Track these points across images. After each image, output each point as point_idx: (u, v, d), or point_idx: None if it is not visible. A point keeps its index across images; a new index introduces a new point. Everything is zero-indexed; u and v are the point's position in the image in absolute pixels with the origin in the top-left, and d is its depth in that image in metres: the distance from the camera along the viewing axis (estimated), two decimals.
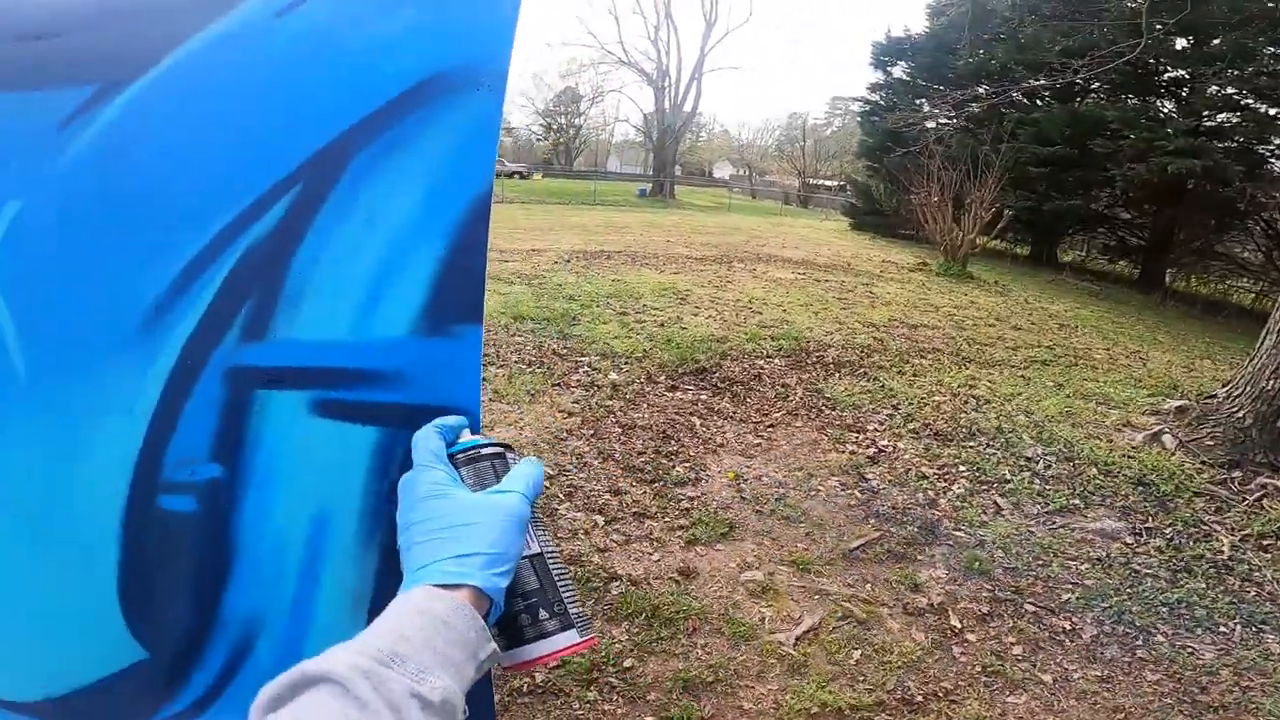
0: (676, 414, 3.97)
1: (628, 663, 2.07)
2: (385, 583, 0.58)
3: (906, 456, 3.66)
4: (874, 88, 20.65)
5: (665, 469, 3.32)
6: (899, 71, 19.77)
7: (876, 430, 3.98)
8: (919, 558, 2.78)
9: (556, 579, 0.51)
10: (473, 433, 0.53)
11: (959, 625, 2.37)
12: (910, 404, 4.32)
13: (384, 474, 0.53)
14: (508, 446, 0.53)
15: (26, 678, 0.59)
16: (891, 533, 2.94)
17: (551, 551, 0.52)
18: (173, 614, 0.56)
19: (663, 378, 4.51)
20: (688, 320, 5.98)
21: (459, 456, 0.51)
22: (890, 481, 3.40)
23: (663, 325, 5.73)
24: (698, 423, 3.89)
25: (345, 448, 0.53)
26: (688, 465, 3.39)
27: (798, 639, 2.25)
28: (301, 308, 0.51)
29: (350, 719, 0.33)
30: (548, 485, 3.11)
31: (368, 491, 0.54)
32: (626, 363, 4.70)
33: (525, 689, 1.94)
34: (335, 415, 0.52)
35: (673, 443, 3.61)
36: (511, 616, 0.48)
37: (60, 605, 0.58)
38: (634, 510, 2.97)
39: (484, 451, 0.52)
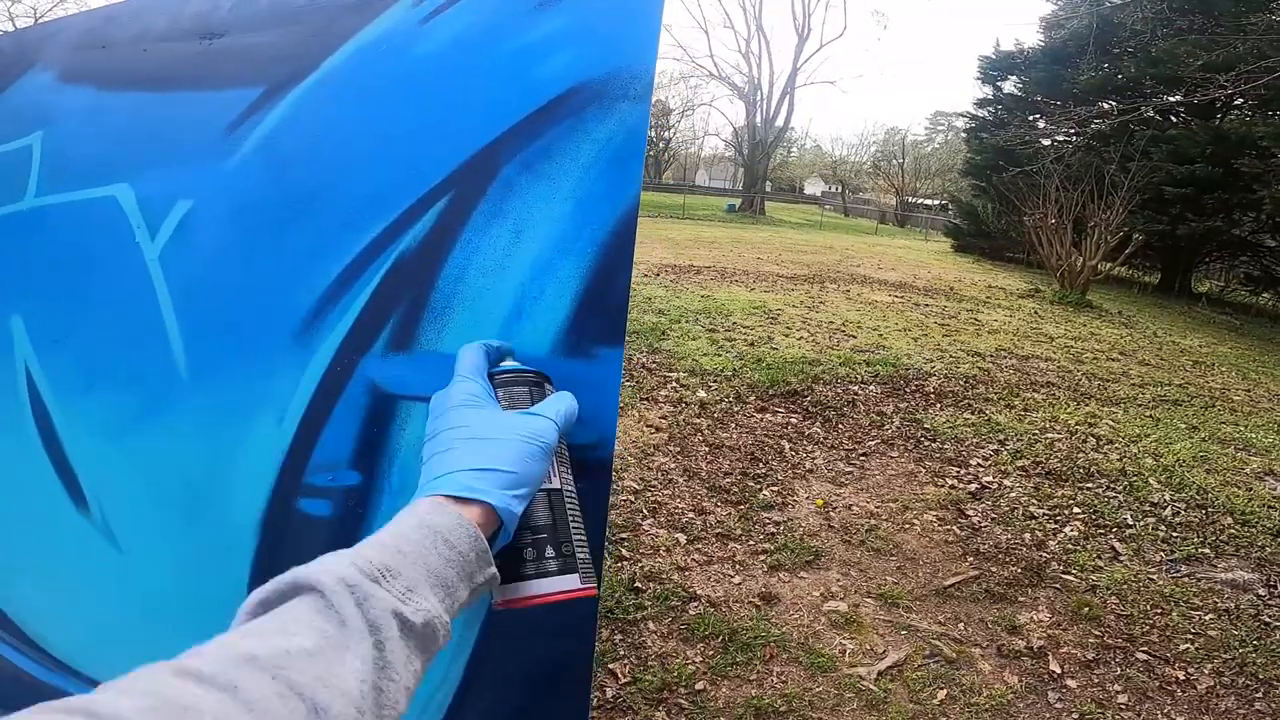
0: (765, 436, 3.86)
1: (700, 685, 2.02)
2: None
3: (1013, 495, 3.41)
4: (981, 103, 19.66)
5: (751, 491, 3.24)
6: (1010, 86, 18.76)
7: (980, 465, 3.73)
8: (1020, 599, 2.59)
9: (570, 520, 0.47)
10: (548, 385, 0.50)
11: (1059, 670, 2.20)
12: (1019, 440, 4.02)
13: None
14: (547, 379, 0.50)
15: (142, 665, 0.61)
16: (992, 572, 2.75)
17: (570, 491, 0.48)
18: None
19: (752, 398, 4.41)
20: (778, 340, 5.84)
21: (497, 377, 0.49)
22: (994, 519, 3.17)
23: (753, 344, 5.61)
24: (787, 446, 3.77)
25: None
26: (775, 489, 3.29)
27: (879, 674, 2.13)
28: (447, 320, 0.51)
29: (328, 636, 0.33)
30: (632, 499, 3.09)
31: None
32: (715, 381, 4.63)
33: (595, 703, 1.92)
34: None
35: (760, 465, 3.51)
36: (516, 549, 0.45)
37: (194, 594, 0.60)
38: (717, 531, 2.91)
39: (523, 376, 0.49)
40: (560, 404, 0.48)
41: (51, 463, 0.68)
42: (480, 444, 0.43)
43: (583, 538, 0.48)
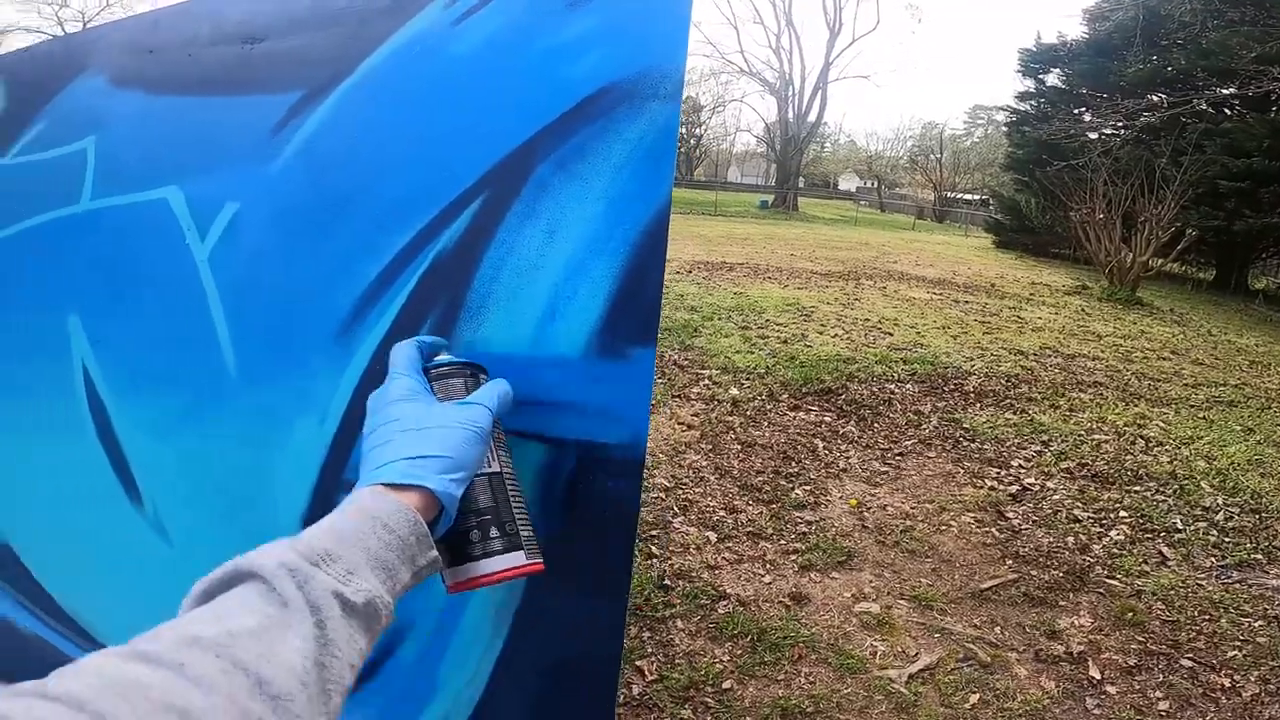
0: (798, 434, 3.82)
1: (727, 684, 2.01)
2: (531, 598, 0.57)
3: (1056, 497, 3.31)
4: (1023, 96, 19.14)
5: (784, 490, 3.21)
6: (1053, 79, 18.22)
7: (1022, 467, 3.63)
8: (1061, 604, 2.52)
9: (511, 500, 0.49)
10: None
11: (1099, 676, 2.14)
12: (1064, 441, 3.90)
13: (548, 491, 0.52)
14: (482, 369, 0.52)
15: None
16: (1031, 575, 2.68)
17: (510, 474, 0.50)
18: None
19: (785, 396, 4.37)
20: (812, 338, 5.77)
21: (431, 372, 0.50)
22: (1035, 522, 3.09)
23: (786, 342, 5.56)
24: (820, 445, 3.72)
25: (513, 462, 0.53)
26: (808, 488, 3.25)
27: (910, 677, 2.09)
28: (483, 320, 0.51)
29: (270, 617, 0.33)
30: (663, 497, 3.09)
31: (530, 506, 0.53)
32: (748, 379, 4.60)
33: (621, 700, 1.93)
34: (505, 429, 0.52)
35: (793, 464, 3.48)
36: (461, 532, 0.47)
37: None
38: (748, 530, 2.89)
39: (457, 368, 0.50)
40: (494, 390, 0.49)
41: (108, 459, 0.71)
42: (417, 434, 0.45)
43: (525, 517, 0.50)
